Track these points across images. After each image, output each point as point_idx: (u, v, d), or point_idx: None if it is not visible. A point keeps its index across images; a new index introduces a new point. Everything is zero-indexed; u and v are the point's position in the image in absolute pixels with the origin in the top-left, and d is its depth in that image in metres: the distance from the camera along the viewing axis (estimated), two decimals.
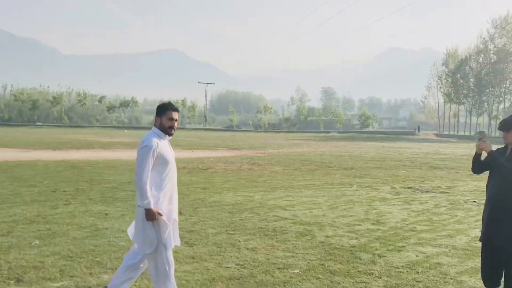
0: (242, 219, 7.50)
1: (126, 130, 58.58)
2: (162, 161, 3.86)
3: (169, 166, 3.94)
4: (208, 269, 5.02)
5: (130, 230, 4.05)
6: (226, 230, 6.76)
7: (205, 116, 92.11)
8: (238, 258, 5.45)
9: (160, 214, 3.81)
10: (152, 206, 3.75)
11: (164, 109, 3.98)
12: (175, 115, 4.00)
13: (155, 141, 3.83)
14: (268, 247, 5.92)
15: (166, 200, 3.91)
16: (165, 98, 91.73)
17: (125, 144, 27.76)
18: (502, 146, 4.52)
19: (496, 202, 4.37)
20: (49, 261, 5.08)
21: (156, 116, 4.02)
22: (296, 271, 5.03)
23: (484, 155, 4.48)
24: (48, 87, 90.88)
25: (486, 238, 4.48)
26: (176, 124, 4.03)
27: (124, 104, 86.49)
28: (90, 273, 4.77)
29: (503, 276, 4.42)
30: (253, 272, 4.96)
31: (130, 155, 19.97)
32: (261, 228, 6.95)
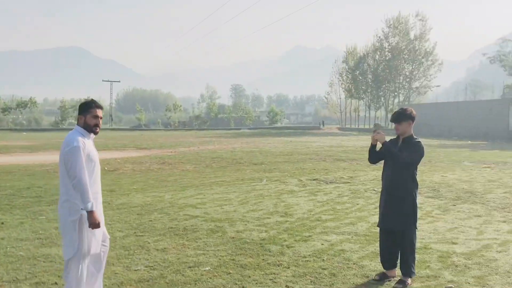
0: (151, 220, 7.35)
1: (24, 133, 54.53)
2: (89, 161, 3.77)
3: (96, 166, 3.88)
4: (116, 273, 4.86)
5: None
6: (135, 232, 6.58)
7: (111, 116, 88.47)
8: (148, 260, 5.34)
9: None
10: (95, 208, 3.67)
11: (88, 107, 3.89)
12: (100, 112, 3.93)
13: (81, 140, 3.74)
14: (178, 247, 5.87)
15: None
16: (68, 98, 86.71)
17: (23, 148, 25.85)
18: (395, 137, 4.88)
19: (390, 189, 4.71)
20: None
21: (79, 114, 3.91)
22: (207, 268, 5.04)
23: (379, 145, 4.81)
24: None
25: (382, 223, 4.83)
26: (101, 121, 3.96)
27: (22, 105, 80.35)
28: None
29: (399, 257, 4.79)
30: (163, 272, 4.89)
31: (30, 159, 18.68)
32: (171, 228, 6.86)
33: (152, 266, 5.10)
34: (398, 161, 4.57)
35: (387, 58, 68.76)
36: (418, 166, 4.73)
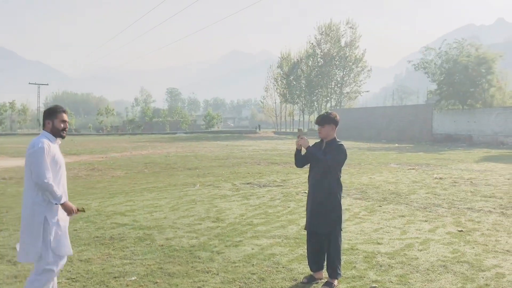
0: (76, 230, 7.01)
1: None
2: (54, 163, 3.90)
3: (61, 169, 4.02)
4: None
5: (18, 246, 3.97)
6: None
7: (38, 120, 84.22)
8: (70, 271, 5.08)
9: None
10: (66, 199, 3.93)
11: (55, 112, 4.05)
12: (66, 116, 4.11)
13: (46, 142, 3.88)
14: (104, 257, 5.63)
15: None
16: None
17: None
18: (319, 140, 4.98)
19: (316, 192, 4.79)
20: None
21: (46, 120, 4.05)
22: (133, 278, 4.87)
23: (304, 150, 4.89)
24: None
25: (309, 226, 4.90)
26: (67, 125, 4.14)
27: None
28: None
29: (326, 259, 4.88)
30: (86, 284, 4.67)
31: None
32: (97, 237, 6.59)
33: (74, 278, 4.86)
34: (322, 164, 4.66)
35: (320, 64, 70.56)
36: (342, 168, 4.84)
